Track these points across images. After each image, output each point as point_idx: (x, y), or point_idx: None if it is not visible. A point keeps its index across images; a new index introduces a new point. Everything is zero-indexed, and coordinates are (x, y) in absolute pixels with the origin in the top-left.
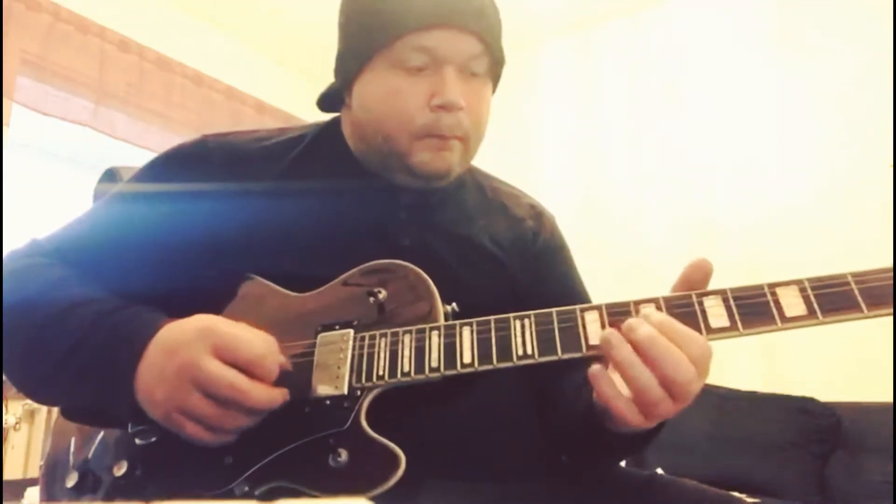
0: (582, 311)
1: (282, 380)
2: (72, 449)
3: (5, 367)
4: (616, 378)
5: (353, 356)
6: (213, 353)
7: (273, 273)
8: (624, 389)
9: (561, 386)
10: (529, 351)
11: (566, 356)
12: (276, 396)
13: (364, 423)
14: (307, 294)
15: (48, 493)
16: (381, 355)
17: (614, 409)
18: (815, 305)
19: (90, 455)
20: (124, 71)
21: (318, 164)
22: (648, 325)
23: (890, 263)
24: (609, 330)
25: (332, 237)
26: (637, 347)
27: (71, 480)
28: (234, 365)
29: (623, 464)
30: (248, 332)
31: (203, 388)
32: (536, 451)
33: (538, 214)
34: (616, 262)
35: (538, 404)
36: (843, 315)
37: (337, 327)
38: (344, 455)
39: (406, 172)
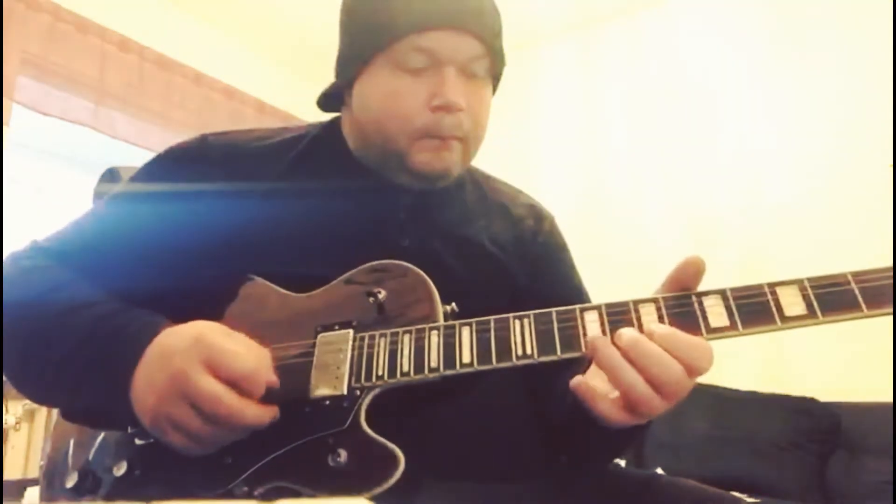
0: (581, 311)
1: (281, 381)
2: (71, 449)
3: (5, 368)
4: (603, 378)
5: (352, 356)
6: (205, 367)
7: (273, 273)
8: (609, 390)
9: (554, 384)
10: (529, 351)
11: (566, 356)
12: (263, 416)
13: (363, 423)
14: (307, 294)
15: (48, 494)
16: (381, 355)
17: (599, 411)
18: (815, 305)
19: (90, 455)
20: (124, 71)
21: (317, 163)
22: (632, 329)
23: (890, 263)
24: (595, 335)
25: (332, 237)
26: (623, 351)
27: (71, 481)
28: (224, 379)
29: (623, 464)
30: (240, 346)
31: (191, 401)
32: (536, 451)
33: (538, 214)
34: (616, 261)
35: (533, 402)
36: (843, 315)
37: (336, 327)
38: (343, 455)
39: (406, 173)
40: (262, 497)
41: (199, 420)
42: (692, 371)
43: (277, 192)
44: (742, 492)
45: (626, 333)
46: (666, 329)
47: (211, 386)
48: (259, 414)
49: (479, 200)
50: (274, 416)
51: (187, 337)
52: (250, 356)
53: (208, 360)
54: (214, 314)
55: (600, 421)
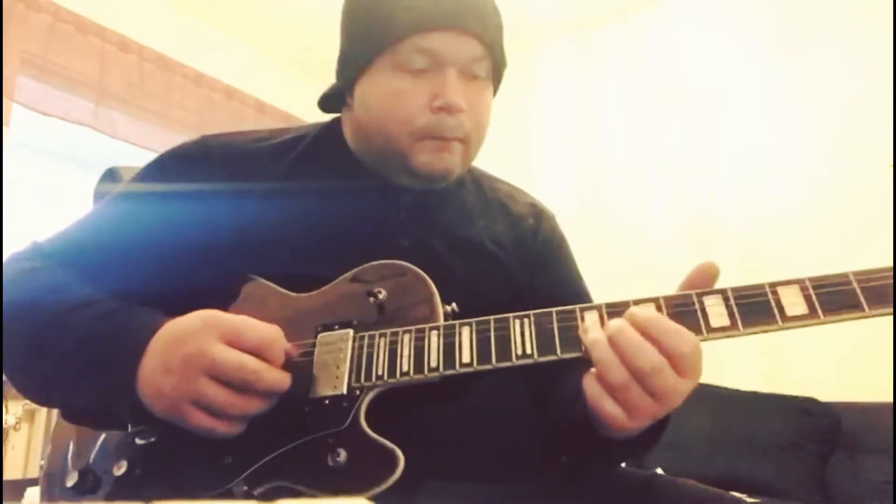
0: (581, 310)
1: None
2: (72, 449)
3: (6, 368)
4: None
5: (352, 356)
6: (221, 340)
7: (273, 273)
8: None
9: (559, 388)
10: (528, 351)
11: (565, 356)
12: (285, 378)
13: (363, 423)
14: (307, 294)
15: (48, 494)
16: (381, 355)
17: (600, 410)
18: (817, 305)
19: (90, 455)
20: (124, 71)
21: (318, 164)
22: (621, 318)
23: (890, 263)
24: (590, 322)
25: (332, 238)
26: (609, 340)
27: (71, 480)
28: (244, 349)
29: (623, 464)
30: (252, 320)
31: (213, 374)
32: (536, 451)
33: (538, 213)
34: (616, 261)
35: (536, 405)
36: (845, 314)
37: (336, 327)
38: (343, 455)
39: (406, 173)
40: (262, 497)
41: (222, 391)
42: (675, 361)
43: (278, 193)
44: (742, 492)
45: (614, 322)
46: (650, 313)
47: (230, 352)
48: (283, 378)
49: (480, 200)
50: (290, 382)
51: (197, 320)
52: (263, 326)
53: (225, 335)
54: None
55: (602, 429)
